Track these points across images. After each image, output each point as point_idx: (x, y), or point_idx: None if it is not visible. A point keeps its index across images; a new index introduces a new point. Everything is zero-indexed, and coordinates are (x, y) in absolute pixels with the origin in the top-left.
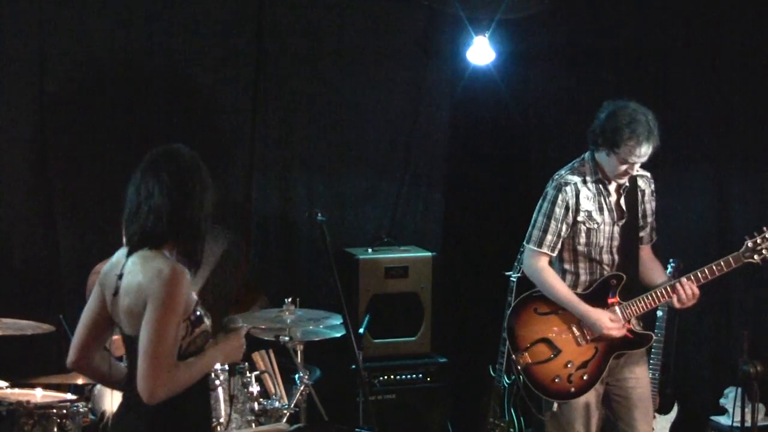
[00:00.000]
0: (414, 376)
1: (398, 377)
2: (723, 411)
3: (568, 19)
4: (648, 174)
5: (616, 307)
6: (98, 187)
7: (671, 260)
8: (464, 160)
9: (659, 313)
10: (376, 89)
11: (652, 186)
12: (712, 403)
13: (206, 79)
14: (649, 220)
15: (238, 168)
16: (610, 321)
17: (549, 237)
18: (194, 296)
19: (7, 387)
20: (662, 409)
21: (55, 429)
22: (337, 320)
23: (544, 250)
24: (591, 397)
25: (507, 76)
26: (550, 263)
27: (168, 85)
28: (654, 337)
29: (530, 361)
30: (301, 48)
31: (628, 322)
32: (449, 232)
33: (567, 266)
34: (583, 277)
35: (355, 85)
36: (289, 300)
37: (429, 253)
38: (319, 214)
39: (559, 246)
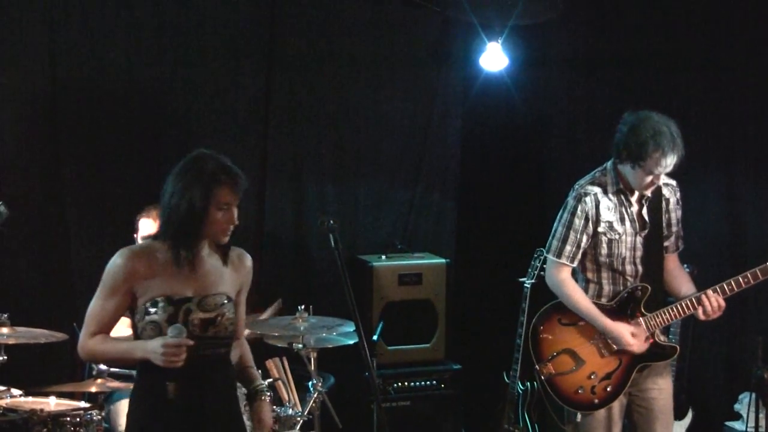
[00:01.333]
0: (428, 383)
1: (412, 384)
2: (737, 416)
3: (581, 26)
4: (674, 182)
5: (641, 319)
6: (111, 195)
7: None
8: (477, 167)
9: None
10: (389, 96)
11: (678, 194)
12: (727, 409)
13: (218, 86)
14: (674, 228)
15: (251, 175)
16: (632, 336)
17: (568, 248)
18: (163, 287)
19: (21, 395)
20: (677, 414)
21: None
22: (351, 327)
23: (564, 260)
24: (614, 407)
25: (520, 82)
26: (574, 273)
27: (180, 93)
28: (678, 349)
29: (553, 371)
30: (314, 55)
31: (652, 334)
32: (463, 239)
33: (590, 276)
34: (607, 288)
35: (368, 92)
36: (302, 307)
37: (443, 260)
38: (331, 221)
39: (579, 257)
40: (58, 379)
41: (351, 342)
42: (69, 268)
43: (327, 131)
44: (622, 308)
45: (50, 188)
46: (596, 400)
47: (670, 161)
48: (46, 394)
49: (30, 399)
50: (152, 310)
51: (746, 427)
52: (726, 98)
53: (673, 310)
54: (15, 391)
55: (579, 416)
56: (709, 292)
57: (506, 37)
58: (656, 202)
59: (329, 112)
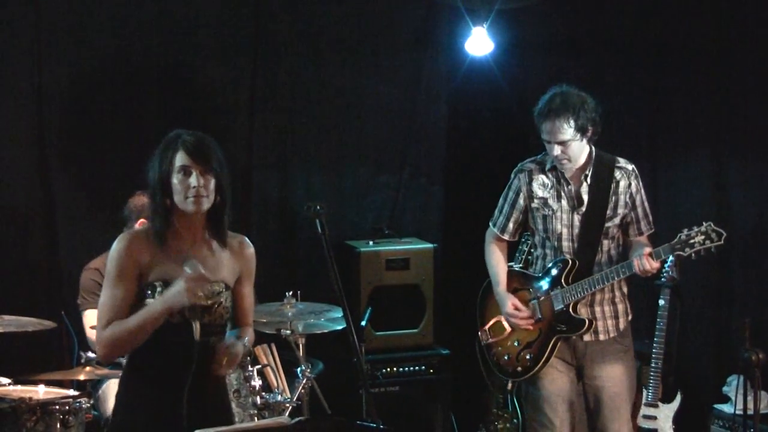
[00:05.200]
0: (416, 368)
1: (401, 369)
2: (726, 399)
3: (566, 10)
4: (629, 167)
5: (531, 303)
6: (98, 185)
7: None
8: (463, 151)
9: (661, 302)
10: (374, 81)
11: (631, 179)
12: (715, 392)
13: (204, 74)
14: (621, 211)
15: (238, 162)
16: (513, 308)
17: (500, 218)
18: (159, 271)
19: (9, 384)
20: (665, 397)
21: (58, 425)
22: (338, 313)
23: (493, 228)
24: (561, 382)
25: (505, 67)
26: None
27: (166, 81)
28: (588, 325)
29: (489, 338)
30: (299, 41)
31: (567, 306)
32: (450, 224)
33: (538, 251)
34: (548, 262)
35: (353, 77)
36: (290, 293)
37: (430, 245)
38: (318, 207)
39: (509, 228)
40: (47, 368)
41: (339, 327)
42: (56, 256)
43: (312, 117)
44: (546, 279)
45: (37, 177)
46: (519, 368)
47: (549, 127)
48: (35, 383)
49: (18, 387)
50: (150, 294)
51: (734, 409)
52: (711, 81)
53: (585, 284)
54: (3, 380)
55: (510, 384)
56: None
57: (491, 21)
58: (603, 182)
59: (314, 97)
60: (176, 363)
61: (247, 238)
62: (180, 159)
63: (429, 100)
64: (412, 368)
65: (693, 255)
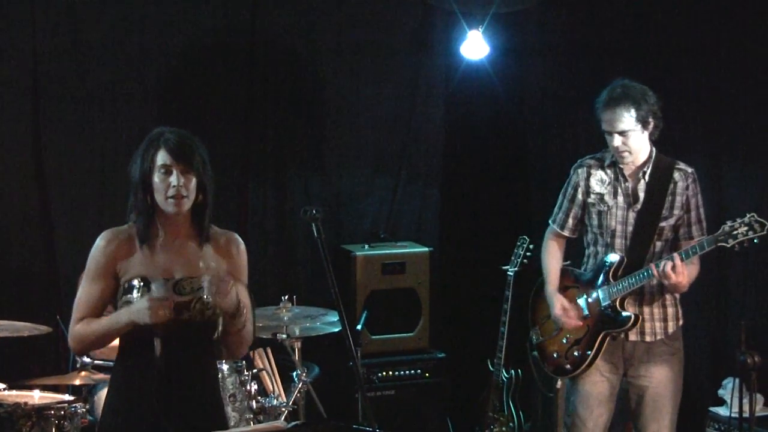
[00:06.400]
0: (412, 371)
1: (397, 373)
2: (722, 402)
3: (562, 13)
4: (689, 170)
5: (579, 300)
6: (95, 188)
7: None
8: (460, 155)
9: None
10: (370, 85)
11: (689, 181)
12: (711, 395)
13: (200, 76)
14: (677, 212)
15: (234, 166)
16: (562, 308)
17: (560, 215)
18: (139, 268)
19: (4, 389)
20: None
21: (54, 430)
22: (335, 317)
23: (553, 225)
24: (601, 386)
25: (501, 70)
26: (583, 245)
27: (162, 84)
28: (634, 320)
29: (541, 336)
30: (295, 44)
31: (614, 302)
32: (446, 228)
33: (590, 249)
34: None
35: (349, 81)
36: (286, 297)
37: (426, 249)
38: (314, 211)
39: (569, 225)
40: (42, 372)
41: (335, 331)
42: (52, 261)
43: (309, 120)
44: (595, 276)
45: (33, 182)
46: (568, 365)
47: (609, 116)
48: (30, 388)
49: (14, 392)
50: (129, 290)
51: (730, 412)
52: (706, 82)
53: (629, 279)
54: None
55: (559, 383)
56: (663, 262)
57: (487, 25)
58: (661, 181)
59: (311, 101)
60: (165, 365)
61: (237, 235)
62: (161, 158)
63: (425, 103)
64: (408, 372)
65: (736, 246)
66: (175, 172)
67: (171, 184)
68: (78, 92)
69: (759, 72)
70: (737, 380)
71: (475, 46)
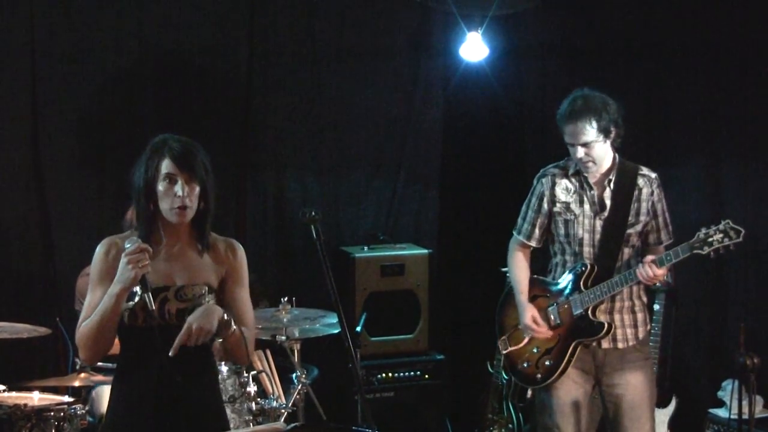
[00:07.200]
0: (412, 373)
1: (396, 375)
2: (721, 404)
3: (561, 15)
4: (652, 175)
5: (550, 309)
6: (94, 189)
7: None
8: (458, 157)
9: (656, 307)
10: (369, 87)
11: (653, 186)
12: (710, 396)
13: (199, 78)
14: (643, 219)
15: (232, 168)
16: (531, 319)
17: (525, 225)
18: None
19: (4, 390)
20: (660, 402)
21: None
22: (334, 318)
23: (518, 236)
24: (576, 393)
25: (500, 72)
26: (549, 255)
27: (161, 85)
28: (607, 329)
29: (510, 346)
30: (294, 46)
31: (586, 311)
32: (445, 229)
33: (557, 258)
34: (568, 268)
35: (348, 83)
36: (285, 299)
37: (425, 251)
38: (313, 212)
39: (535, 235)
40: (42, 374)
41: (334, 333)
42: (51, 262)
43: (307, 122)
44: (565, 285)
45: (32, 182)
46: (539, 375)
47: (571, 129)
48: (30, 389)
49: (13, 394)
50: (131, 297)
51: (729, 414)
52: (706, 85)
53: (604, 286)
54: None
55: (530, 393)
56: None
57: (486, 27)
58: (626, 188)
59: (310, 103)
60: (164, 369)
61: (236, 242)
62: (166, 166)
63: (424, 105)
64: (407, 374)
65: (712, 253)
66: (179, 181)
67: (176, 194)
68: (77, 93)
69: (759, 72)
70: (737, 382)
71: (474, 47)
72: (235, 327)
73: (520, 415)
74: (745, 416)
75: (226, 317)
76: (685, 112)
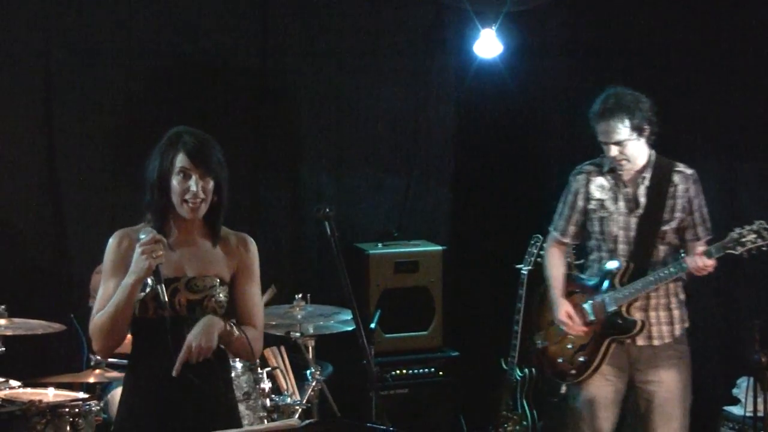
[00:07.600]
0: (426, 370)
1: (410, 371)
2: (735, 401)
3: (576, 12)
4: (689, 171)
5: (584, 306)
6: (107, 186)
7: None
8: (472, 154)
9: None
10: (382, 84)
11: (690, 183)
12: (725, 394)
13: (212, 76)
14: (678, 215)
15: (246, 165)
16: (566, 315)
17: (560, 222)
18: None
19: (19, 387)
20: None
21: (68, 428)
22: (348, 315)
23: (554, 232)
24: (606, 390)
25: (514, 69)
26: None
27: (173, 83)
28: (640, 326)
29: (546, 341)
30: (308, 43)
31: (620, 308)
32: (459, 226)
33: (593, 255)
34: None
35: (361, 80)
36: (300, 296)
37: (439, 247)
38: (327, 209)
39: (570, 231)
40: (56, 370)
41: (349, 329)
42: (66, 259)
43: (321, 119)
44: (601, 281)
45: (46, 180)
46: (573, 371)
47: (603, 128)
48: (45, 385)
49: (28, 390)
50: (142, 288)
51: (744, 411)
52: (718, 82)
53: (639, 283)
54: (13, 383)
55: (564, 388)
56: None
57: (500, 23)
58: (660, 185)
59: (323, 99)
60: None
61: (249, 236)
62: (180, 161)
63: (438, 102)
64: (421, 370)
65: (745, 254)
66: (194, 176)
67: (190, 189)
68: (90, 91)
69: None
70: (751, 379)
71: (488, 44)
72: (237, 333)
73: (534, 412)
74: (760, 413)
75: (228, 327)
76: (697, 110)
